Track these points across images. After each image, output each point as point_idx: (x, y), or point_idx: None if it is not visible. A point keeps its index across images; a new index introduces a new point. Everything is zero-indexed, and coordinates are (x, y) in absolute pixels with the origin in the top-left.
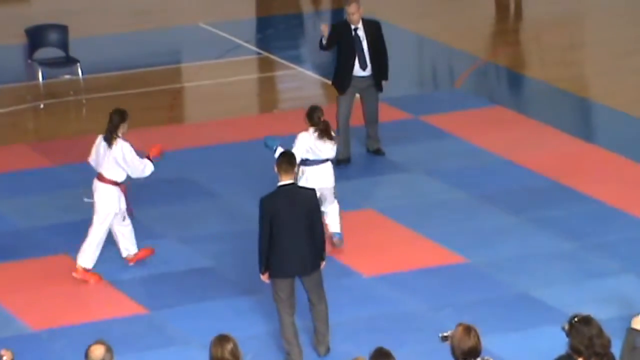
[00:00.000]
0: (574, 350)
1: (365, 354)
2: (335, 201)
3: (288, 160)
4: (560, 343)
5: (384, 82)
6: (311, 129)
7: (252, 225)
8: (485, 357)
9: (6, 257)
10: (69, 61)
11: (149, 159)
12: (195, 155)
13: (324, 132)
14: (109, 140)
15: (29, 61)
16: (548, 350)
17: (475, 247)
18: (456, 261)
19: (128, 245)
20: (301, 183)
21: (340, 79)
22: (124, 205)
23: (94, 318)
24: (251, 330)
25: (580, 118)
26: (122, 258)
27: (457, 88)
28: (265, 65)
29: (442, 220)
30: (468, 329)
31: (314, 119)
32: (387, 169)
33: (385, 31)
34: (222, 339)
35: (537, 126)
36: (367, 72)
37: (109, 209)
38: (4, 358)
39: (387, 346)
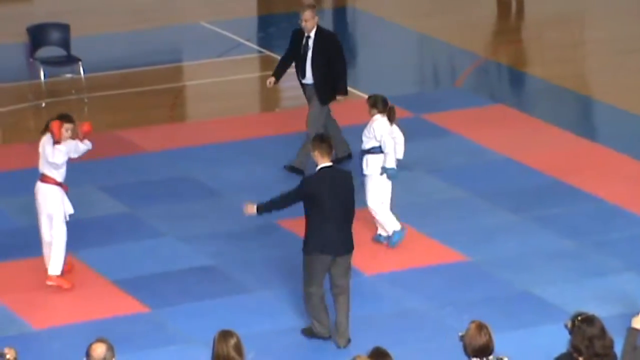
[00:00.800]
0: (574, 349)
1: (366, 352)
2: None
3: (328, 142)
4: (562, 341)
5: (341, 97)
6: (378, 115)
7: (254, 223)
8: (499, 356)
9: (7, 256)
10: (70, 60)
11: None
12: (197, 153)
13: (392, 119)
14: (42, 135)
15: (31, 60)
16: (549, 348)
17: (476, 245)
18: (457, 259)
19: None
20: (367, 172)
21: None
22: (69, 209)
23: (95, 316)
24: (253, 329)
25: (582, 116)
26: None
27: (459, 86)
28: (266, 63)
29: (443, 218)
30: (480, 327)
31: (380, 106)
32: None
33: (386, 30)
34: (226, 334)
35: (539, 124)
36: (308, 80)
37: (58, 208)
38: (7, 356)
39: (389, 344)
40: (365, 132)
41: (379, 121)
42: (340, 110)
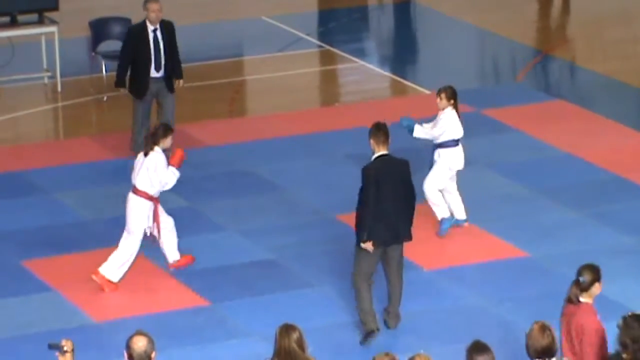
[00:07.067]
0: (621, 344)
1: (426, 347)
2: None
3: (385, 131)
4: None
5: (180, 81)
6: (449, 108)
7: (314, 217)
8: (563, 357)
9: (69, 249)
10: None
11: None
12: (257, 148)
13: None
14: (147, 151)
15: (93, 54)
16: (610, 346)
17: (536, 242)
18: (517, 255)
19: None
20: (439, 165)
21: (138, 83)
22: (151, 223)
23: (156, 310)
24: (313, 323)
25: None
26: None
27: (519, 82)
28: (327, 58)
29: (503, 214)
30: (543, 328)
31: (456, 97)
32: None
33: (447, 25)
34: (288, 328)
35: (599, 120)
36: (161, 73)
37: (140, 224)
38: (65, 348)
39: (446, 340)
40: (439, 124)
41: (451, 112)
42: (403, 104)
